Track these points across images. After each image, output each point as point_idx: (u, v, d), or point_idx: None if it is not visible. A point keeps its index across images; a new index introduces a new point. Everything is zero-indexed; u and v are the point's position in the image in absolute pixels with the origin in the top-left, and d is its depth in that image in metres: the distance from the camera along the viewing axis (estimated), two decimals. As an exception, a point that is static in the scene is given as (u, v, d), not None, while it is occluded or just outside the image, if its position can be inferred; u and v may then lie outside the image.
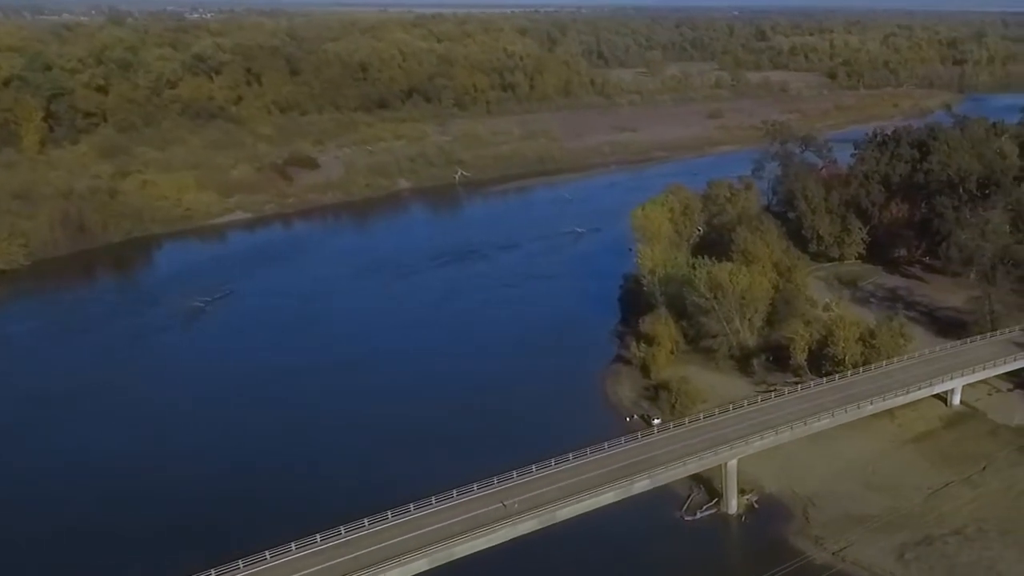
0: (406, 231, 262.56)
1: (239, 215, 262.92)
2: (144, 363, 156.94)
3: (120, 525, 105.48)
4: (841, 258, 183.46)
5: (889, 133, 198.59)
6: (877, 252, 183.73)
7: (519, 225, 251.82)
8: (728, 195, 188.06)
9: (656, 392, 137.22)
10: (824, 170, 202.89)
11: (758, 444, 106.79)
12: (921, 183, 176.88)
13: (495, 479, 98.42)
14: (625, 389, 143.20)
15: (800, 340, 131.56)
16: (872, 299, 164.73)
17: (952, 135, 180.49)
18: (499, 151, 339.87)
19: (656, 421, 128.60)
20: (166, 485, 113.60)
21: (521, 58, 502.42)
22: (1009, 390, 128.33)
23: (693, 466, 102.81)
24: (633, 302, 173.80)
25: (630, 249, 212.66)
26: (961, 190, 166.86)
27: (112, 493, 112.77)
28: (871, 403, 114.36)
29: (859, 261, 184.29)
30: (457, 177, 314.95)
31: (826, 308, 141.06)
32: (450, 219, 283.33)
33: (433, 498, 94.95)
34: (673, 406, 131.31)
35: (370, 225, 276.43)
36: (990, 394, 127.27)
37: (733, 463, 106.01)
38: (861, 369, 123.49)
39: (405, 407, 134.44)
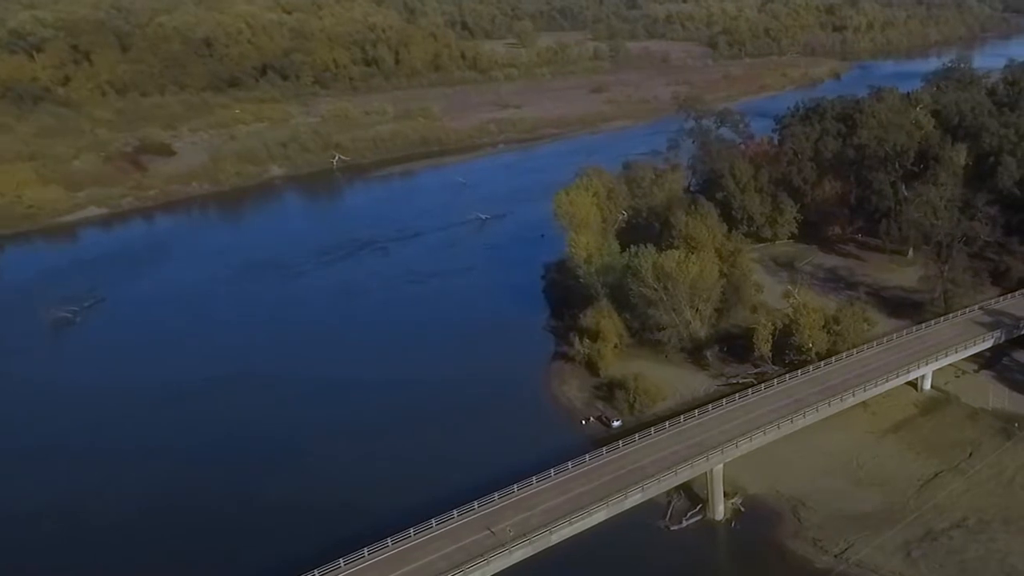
0: (286, 224, 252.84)
1: (92, 211, 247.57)
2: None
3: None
4: (773, 238, 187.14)
5: (812, 107, 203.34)
6: (809, 231, 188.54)
7: (414, 213, 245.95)
8: (653, 177, 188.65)
9: (610, 391, 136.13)
10: (748, 147, 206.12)
11: (746, 446, 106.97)
12: (852, 159, 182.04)
13: (476, 503, 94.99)
14: (573, 389, 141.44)
15: (763, 330, 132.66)
16: (814, 281, 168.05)
17: (879, 108, 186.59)
18: (377, 132, 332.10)
19: (616, 423, 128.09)
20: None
21: (384, 31, 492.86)
22: (975, 371, 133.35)
23: (685, 474, 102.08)
24: (562, 294, 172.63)
25: (542, 235, 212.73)
26: (897, 165, 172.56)
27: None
28: (853, 394, 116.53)
29: (791, 241, 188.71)
30: (335, 162, 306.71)
31: (787, 295, 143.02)
32: (334, 209, 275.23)
33: (411, 529, 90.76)
34: (632, 405, 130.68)
35: (245, 218, 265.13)
36: (958, 376, 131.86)
37: (719, 467, 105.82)
38: (833, 359, 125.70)
39: (334, 430, 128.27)
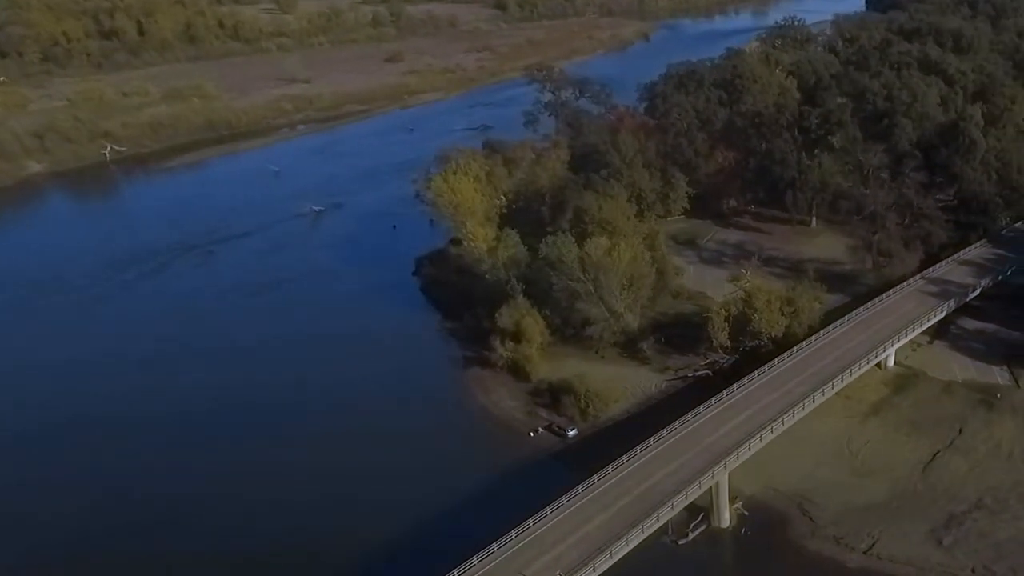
0: (62, 233, 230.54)
1: None
2: None
3: None
4: (665, 215, 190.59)
5: (687, 74, 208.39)
6: (701, 205, 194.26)
7: (226, 210, 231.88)
8: (534, 157, 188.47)
9: (551, 396, 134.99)
10: (620, 119, 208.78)
11: (756, 446, 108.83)
12: (742, 127, 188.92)
13: (495, 545, 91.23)
14: (504, 398, 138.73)
15: (717, 317, 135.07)
16: (724, 258, 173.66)
17: (761, 73, 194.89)
18: (152, 117, 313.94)
19: (572, 431, 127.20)
20: None
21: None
22: (929, 343, 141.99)
23: (707, 482, 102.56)
24: (451, 292, 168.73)
25: (394, 227, 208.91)
26: (796, 132, 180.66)
27: None
28: (841, 380, 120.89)
29: (683, 217, 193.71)
30: (107, 153, 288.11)
31: (737, 279, 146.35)
32: (119, 211, 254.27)
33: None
34: (584, 410, 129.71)
35: (5, 228, 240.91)
36: (914, 350, 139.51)
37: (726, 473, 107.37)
38: (805, 343, 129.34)
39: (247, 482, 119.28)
